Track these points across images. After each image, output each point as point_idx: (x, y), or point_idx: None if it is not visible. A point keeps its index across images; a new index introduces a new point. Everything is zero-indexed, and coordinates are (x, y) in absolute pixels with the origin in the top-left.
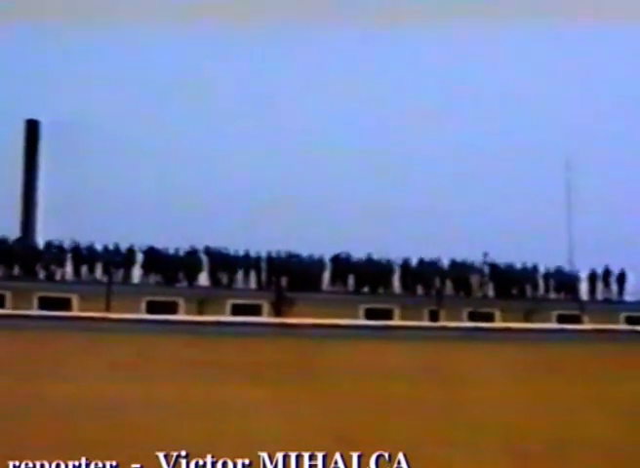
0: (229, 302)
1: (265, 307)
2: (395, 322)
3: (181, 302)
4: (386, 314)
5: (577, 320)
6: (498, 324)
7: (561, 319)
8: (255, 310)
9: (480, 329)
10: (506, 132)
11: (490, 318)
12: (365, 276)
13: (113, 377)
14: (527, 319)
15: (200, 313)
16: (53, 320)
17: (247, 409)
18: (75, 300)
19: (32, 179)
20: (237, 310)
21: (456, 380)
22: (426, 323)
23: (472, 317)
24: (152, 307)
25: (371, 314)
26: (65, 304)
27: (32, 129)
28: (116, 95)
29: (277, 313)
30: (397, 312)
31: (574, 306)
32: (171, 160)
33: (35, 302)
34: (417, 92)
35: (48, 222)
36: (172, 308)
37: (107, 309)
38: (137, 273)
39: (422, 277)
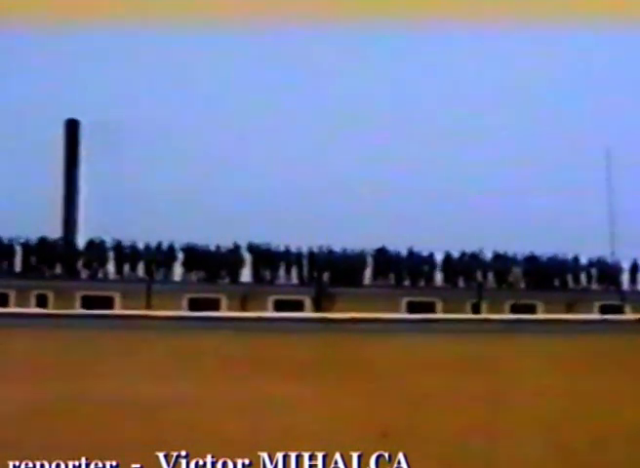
0: (271, 298)
1: (307, 303)
2: (437, 315)
3: (224, 299)
4: (428, 307)
5: (619, 310)
6: (539, 315)
7: (603, 310)
8: (297, 306)
9: (522, 320)
10: (546, 121)
11: (532, 310)
12: (407, 269)
13: (155, 375)
14: (569, 310)
15: (242, 309)
16: (94, 318)
17: (289, 406)
18: (117, 299)
19: (73, 178)
20: (279, 306)
21: (498, 373)
22: (468, 315)
23: (514, 309)
24: (194, 304)
25: (413, 307)
26: (108, 303)
27: (72, 128)
28: (155, 94)
29: (318, 308)
30: (439, 305)
31: (616, 297)
32: (211, 159)
33: (78, 301)
34: (456, 86)
35: (89, 221)
36: (214, 305)
37: (149, 307)
38: (178, 271)
39: (464, 270)
